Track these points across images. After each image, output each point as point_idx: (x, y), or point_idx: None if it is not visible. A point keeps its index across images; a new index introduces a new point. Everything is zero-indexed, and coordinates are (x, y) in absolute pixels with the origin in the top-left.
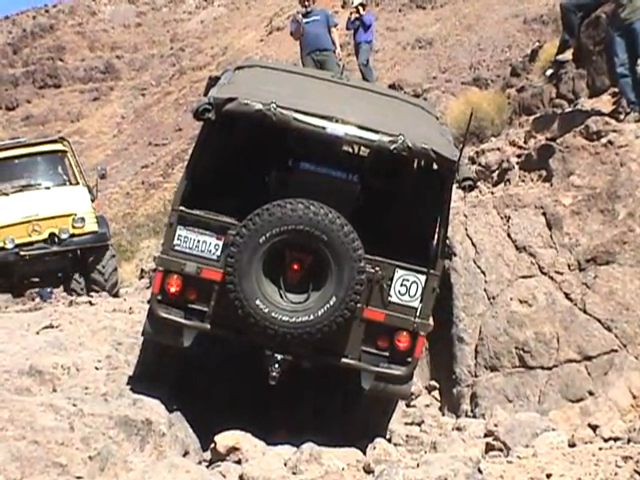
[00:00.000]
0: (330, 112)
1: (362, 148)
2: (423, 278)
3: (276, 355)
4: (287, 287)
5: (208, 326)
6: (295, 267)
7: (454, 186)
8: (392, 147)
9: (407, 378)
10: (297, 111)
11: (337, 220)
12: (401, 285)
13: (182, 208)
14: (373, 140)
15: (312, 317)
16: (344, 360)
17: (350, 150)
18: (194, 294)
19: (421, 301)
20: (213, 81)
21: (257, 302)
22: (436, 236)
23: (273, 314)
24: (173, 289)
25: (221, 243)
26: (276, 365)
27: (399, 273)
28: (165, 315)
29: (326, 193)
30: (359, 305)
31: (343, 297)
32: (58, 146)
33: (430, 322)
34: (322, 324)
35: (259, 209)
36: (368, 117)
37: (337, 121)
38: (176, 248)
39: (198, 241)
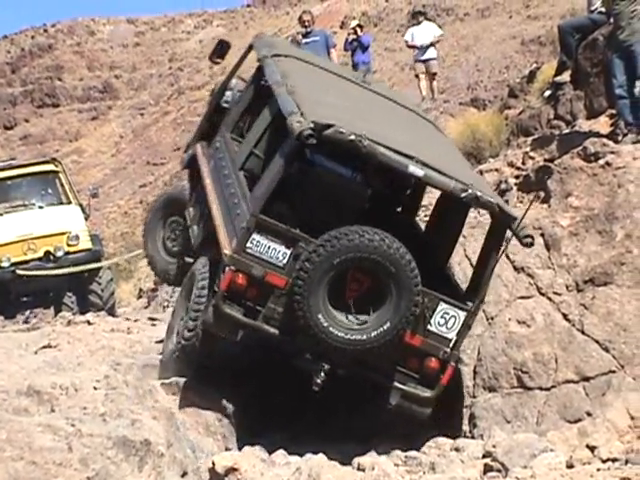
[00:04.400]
0: (409, 150)
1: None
2: (463, 314)
3: (323, 364)
4: (348, 307)
5: (263, 325)
6: (358, 290)
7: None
8: (462, 195)
9: (431, 401)
10: (384, 147)
11: (406, 256)
12: (441, 317)
13: (261, 216)
14: (448, 186)
15: (365, 337)
16: (377, 375)
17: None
18: (255, 295)
19: (457, 334)
20: (224, 46)
21: (319, 316)
22: (481, 279)
23: (331, 329)
24: (238, 287)
25: (289, 252)
26: (322, 373)
27: (442, 306)
28: (228, 311)
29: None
30: None
31: (397, 324)
32: (50, 167)
33: (458, 354)
34: (372, 344)
35: (338, 232)
36: (436, 156)
37: (417, 162)
38: (248, 251)
39: (268, 247)
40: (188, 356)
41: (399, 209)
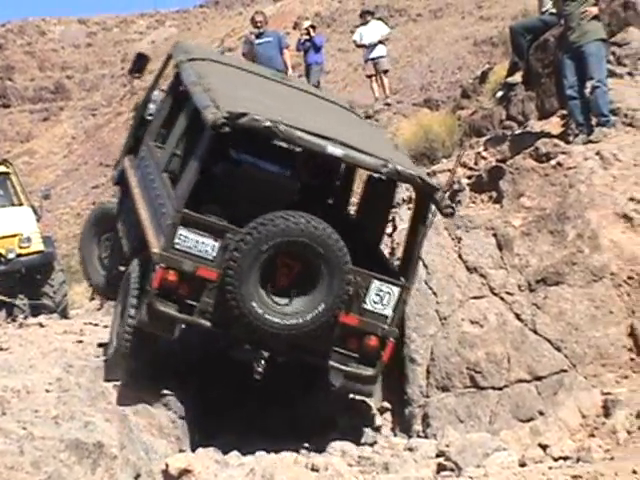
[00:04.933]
0: (327, 133)
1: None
2: (397, 290)
3: (262, 352)
4: (280, 292)
5: (199, 320)
6: (288, 274)
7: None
8: (383, 171)
9: (374, 379)
10: (301, 130)
11: (333, 235)
12: (376, 294)
13: (185, 210)
14: (369, 163)
15: (301, 320)
16: (317, 358)
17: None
18: (188, 290)
19: (393, 310)
20: (142, 59)
21: (253, 304)
22: (412, 254)
23: (266, 316)
24: (170, 284)
25: (218, 245)
26: (262, 362)
27: (375, 283)
28: (162, 308)
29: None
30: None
31: (331, 304)
32: (1, 168)
33: (397, 330)
34: (309, 327)
35: (263, 219)
36: (355, 138)
37: (336, 142)
38: (176, 247)
39: (197, 241)
40: (127, 358)
41: (330, 201)
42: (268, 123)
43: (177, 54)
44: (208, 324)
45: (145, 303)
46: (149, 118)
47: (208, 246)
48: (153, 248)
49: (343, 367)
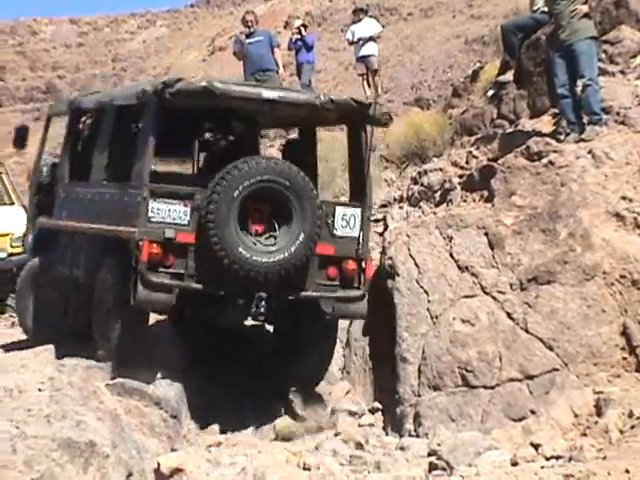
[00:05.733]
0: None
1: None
2: (359, 211)
3: (260, 294)
4: (260, 233)
5: (191, 284)
6: (264, 213)
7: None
8: (318, 102)
9: (362, 297)
10: (235, 84)
11: (293, 168)
12: (342, 219)
13: (151, 183)
14: (303, 98)
15: (287, 254)
16: (305, 293)
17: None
18: (172, 259)
19: (360, 230)
20: (22, 131)
21: (240, 249)
22: (362, 175)
23: (254, 258)
24: (156, 256)
25: (189, 209)
26: (262, 302)
27: (339, 210)
28: (156, 279)
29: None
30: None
31: (309, 232)
32: None
33: (369, 249)
34: (295, 259)
35: (228, 167)
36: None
37: (269, 88)
38: (152, 220)
39: (169, 210)
40: (125, 354)
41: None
42: (204, 83)
43: (58, 105)
44: (199, 286)
45: (138, 279)
46: (45, 181)
47: (180, 212)
48: (130, 231)
49: (331, 294)
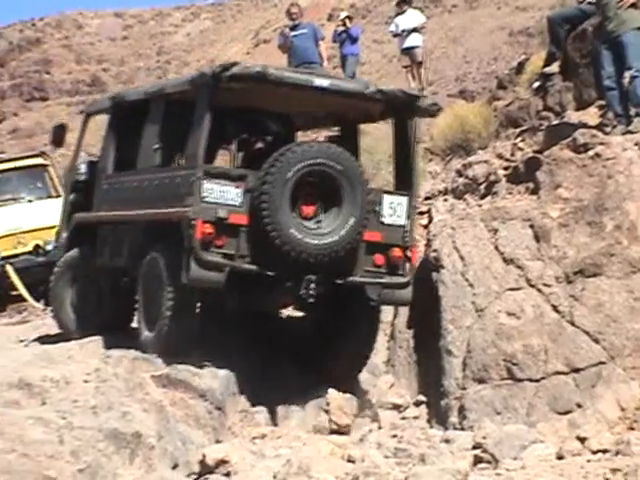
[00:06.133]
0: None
1: None
2: (405, 199)
3: (310, 276)
4: (311, 216)
5: (242, 265)
6: (314, 197)
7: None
8: (367, 92)
9: (408, 284)
10: (287, 70)
11: (345, 153)
12: (389, 207)
13: (206, 165)
14: (353, 88)
15: (337, 237)
16: (352, 278)
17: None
18: (224, 238)
19: (407, 218)
20: (61, 130)
21: (292, 230)
22: (409, 165)
23: (306, 239)
24: (208, 235)
25: (241, 190)
26: (311, 285)
27: (386, 197)
28: (210, 258)
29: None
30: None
31: (359, 216)
32: (39, 160)
33: (414, 237)
34: (345, 242)
35: (281, 150)
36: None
37: (320, 76)
38: (205, 200)
39: (221, 191)
40: (171, 338)
41: None
42: (258, 68)
43: (99, 104)
44: (250, 266)
45: (192, 258)
46: (82, 179)
47: (232, 193)
48: (183, 211)
49: (378, 280)
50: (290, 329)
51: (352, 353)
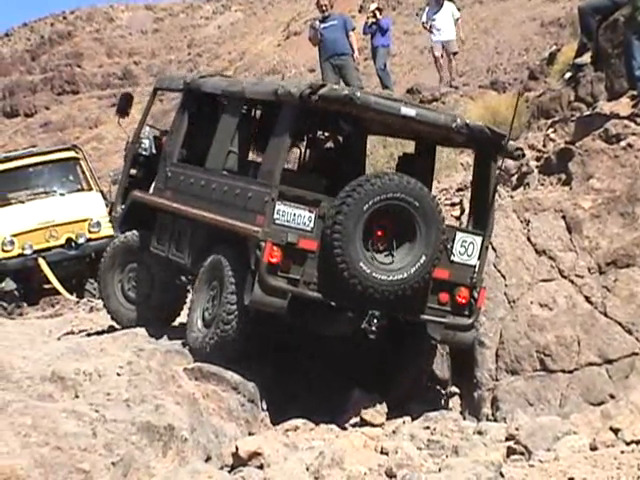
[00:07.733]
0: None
1: None
2: (479, 239)
3: (374, 312)
4: (382, 250)
5: (306, 291)
6: (388, 232)
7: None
8: (453, 125)
9: (471, 327)
10: (375, 95)
11: (424, 189)
12: (461, 246)
13: (281, 185)
14: (440, 119)
15: (406, 275)
16: (415, 316)
17: None
18: (290, 262)
19: (478, 259)
20: (127, 99)
21: (361, 264)
22: (486, 204)
23: (374, 274)
24: (276, 259)
25: (314, 215)
26: (375, 320)
27: (459, 235)
28: (274, 283)
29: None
30: None
31: (431, 256)
32: (71, 153)
33: (483, 278)
34: (414, 280)
35: (359, 180)
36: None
37: (406, 104)
38: (276, 222)
39: (294, 215)
40: (227, 341)
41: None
42: (346, 91)
43: (169, 83)
44: (315, 295)
45: (256, 281)
46: (144, 154)
47: (305, 217)
48: (252, 229)
49: (441, 319)
50: (342, 347)
51: (407, 382)
